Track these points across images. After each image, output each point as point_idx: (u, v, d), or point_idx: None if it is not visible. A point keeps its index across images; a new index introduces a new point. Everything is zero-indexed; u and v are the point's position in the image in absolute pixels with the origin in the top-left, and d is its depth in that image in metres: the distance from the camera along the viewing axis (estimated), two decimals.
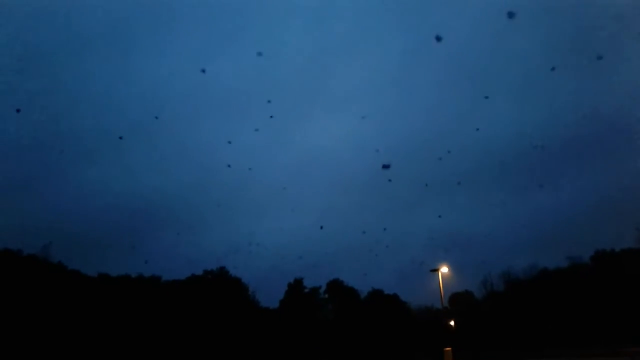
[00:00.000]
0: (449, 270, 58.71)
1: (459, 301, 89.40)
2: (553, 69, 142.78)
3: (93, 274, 66.41)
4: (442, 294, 59.38)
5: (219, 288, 74.00)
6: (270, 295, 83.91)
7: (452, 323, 73.76)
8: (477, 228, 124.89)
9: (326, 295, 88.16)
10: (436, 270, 58.18)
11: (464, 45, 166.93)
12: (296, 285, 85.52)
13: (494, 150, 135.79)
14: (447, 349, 58.13)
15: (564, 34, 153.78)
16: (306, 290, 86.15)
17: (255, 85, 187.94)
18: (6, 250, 57.12)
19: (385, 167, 50.48)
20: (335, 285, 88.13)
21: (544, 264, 78.55)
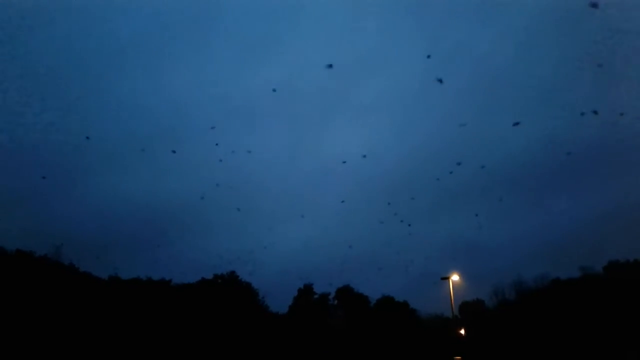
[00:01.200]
0: (459, 278, 58.57)
1: (470, 310, 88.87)
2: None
3: (104, 277, 66.91)
4: (453, 302, 59.21)
5: (229, 292, 74.12)
6: (279, 301, 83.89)
7: (462, 332, 73.35)
8: (488, 236, 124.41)
9: (336, 302, 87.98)
10: (447, 278, 58.06)
11: (486, 58, 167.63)
12: (306, 291, 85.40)
13: (507, 161, 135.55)
14: (457, 358, 57.91)
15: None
16: (316, 296, 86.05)
17: (277, 95, 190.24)
18: (18, 252, 57.75)
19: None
20: (345, 292, 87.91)
21: (555, 273, 77.97)
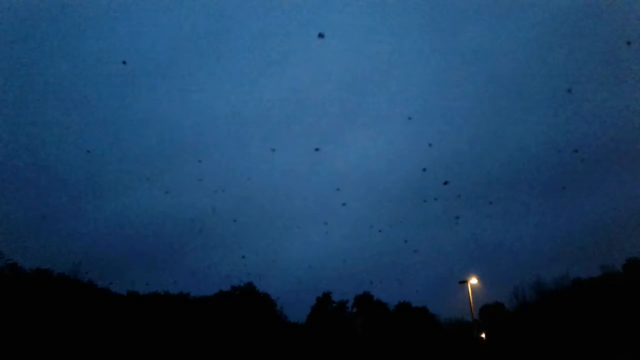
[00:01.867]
0: (478, 281, 57.88)
1: (490, 313, 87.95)
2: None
3: (123, 292, 67.32)
4: (472, 306, 58.55)
5: (247, 304, 74.12)
6: (298, 310, 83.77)
7: (483, 336, 72.54)
8: (507, 238, 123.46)
9: (355, 310, 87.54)
10: (465, 282, 57.37)
11: (497, 62, 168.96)
12: (324, 299, 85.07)
13: (525, 161, 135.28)
14: None
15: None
16: (334, 305, 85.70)
17: (295, 105, 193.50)
18: (38, 270, 58.33)
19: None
20: (364, 299, 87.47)
21: (576, 273, 77.03)
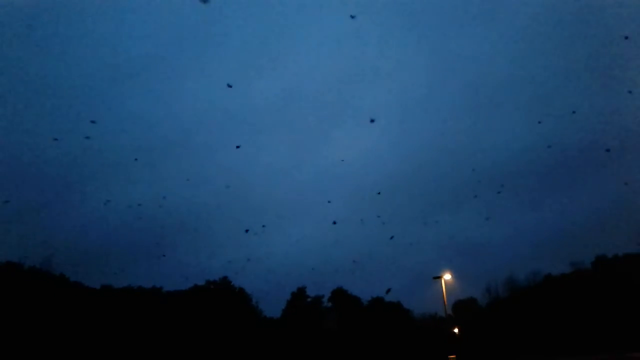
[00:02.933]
0: (452, 277, 58.71)
1: (463, 308, 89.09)
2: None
3: (96, 286, 66.45)
4: (446, 302, 59.36)
5: (222, 298, 73.81)
6: (273, 305, 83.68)
7: (456, 330, 73.52)
8: (480, 235, 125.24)
9: (330, 304, 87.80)
10: (439, 277, 58.14)
11: (484, 66, 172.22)
12: (299, 294, 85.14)
13: (500, 161, 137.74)
14: (452, 356, 57.99)
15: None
16: (309, 299, 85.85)
17: (281, 104, 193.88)
18: (8, 263, 57.29)
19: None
20: (339, 294, 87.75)
21: (547, 270, 78.57)
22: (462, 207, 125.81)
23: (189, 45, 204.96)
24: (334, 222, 73.28)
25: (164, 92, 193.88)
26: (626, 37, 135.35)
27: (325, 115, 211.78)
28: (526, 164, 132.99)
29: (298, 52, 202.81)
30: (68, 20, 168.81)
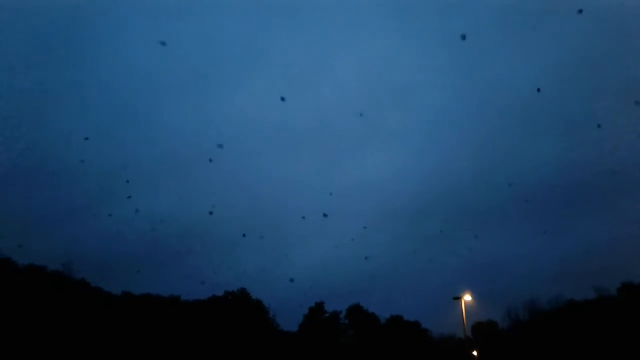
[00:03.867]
0: (472, 298, 57.67)
1: (482, 330, 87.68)
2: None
3: (117, 292, 66.90)
4: (465, 323, 58.39)
5: (239, 309, 73.75)
6: (290, 319, 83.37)
7: (475, 353, 72.30)
8: (503, 258, 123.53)
9: (347, 320, 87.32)
10: (459, 298, 57.19)
11: (510, 92, 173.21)
12: (317, 309, 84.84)
13: (526, 184, 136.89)
14: None
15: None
16: (326, 315, 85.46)
17: (315, 123, 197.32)
18: (31, 266, 58.04)
19: None
20: (356, 310, 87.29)
21: (570, 294, 76.91)
22: (486, 228, 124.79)
23: (234, 63, 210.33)
24: (365, 227, 72.95)
25: (203, 105, 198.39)
26: None
27: (356, 134, 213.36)
28: (553, 187, 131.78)
29: (335, 73, 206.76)
30: (117, 31, 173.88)
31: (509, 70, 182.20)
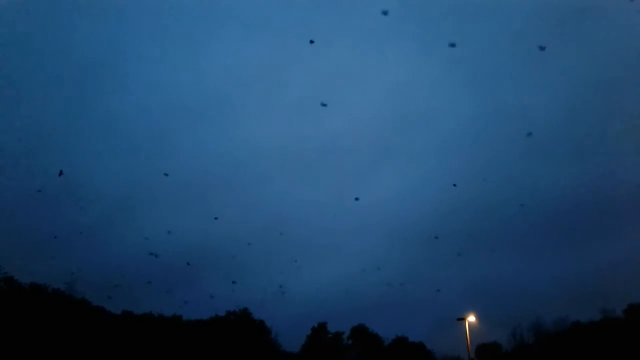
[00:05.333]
0: (476, 319, 57.32)
1: (487, 352, 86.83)
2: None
3: (117, 312, 66.76)
4: (469, 344, 57.96)
5: (241, 330, 73.41)
6: (292, 339, 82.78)
7: None
8: (507, 278, 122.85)
9: (350, 341, 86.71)
10: (463, 319, 56.87)
11: (529, 117, 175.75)
12: (319, 330, 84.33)
13: (533, 207, 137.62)
14: None
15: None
16: (329, 335, 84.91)
17: (330, 145, 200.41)
18: (32, 285, 58.17)
19: None
20: (360, 331, 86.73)
21: (575, 316, 76.17)
22: (492, 249, 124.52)
23: (253, 85, 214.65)
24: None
25: (220, 127, 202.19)
26: None
27: (370, 156, 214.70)
28: (560, 210, 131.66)
29: (352, 96, 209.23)
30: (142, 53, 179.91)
31: (521, 96, 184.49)
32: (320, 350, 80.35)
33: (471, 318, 56.81)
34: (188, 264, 71.27)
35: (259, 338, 75.22)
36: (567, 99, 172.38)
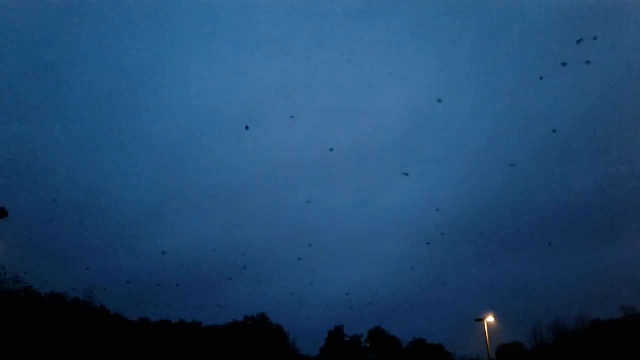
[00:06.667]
0: (495, 319, 56.62)
1: (507, 353, 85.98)
2: None
3: (134, 319, 67.18)
4: (488, 344, 57.33)
5: (259, 334, 73.54)
6: (310, 343, 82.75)
7: None
8: (527, 277, 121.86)
9: (367, 344, 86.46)
10: (481, 319, 56.22)
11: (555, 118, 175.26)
12: (336, 333, 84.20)
13: (555, 205, 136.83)
14: None
15: None
16: (347, 339, 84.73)
17: (353, 152, 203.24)
18: (52, 294, 58.76)
19: None
20: (377, 334, 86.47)
21: (595, 314, 75.33)
22: (512, 248, 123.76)
23: (277, 97, 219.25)
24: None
25: (245, 138, 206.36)
26: None
27: (393, 160, 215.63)
28: (582, 208, 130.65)
29: (374, 101, 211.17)
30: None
31: (545, 96, 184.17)
32: (338, 353, 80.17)
33: (489, 318, 56.10)
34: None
35: (277, 342, 75.28)
36: (591, 98, 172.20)
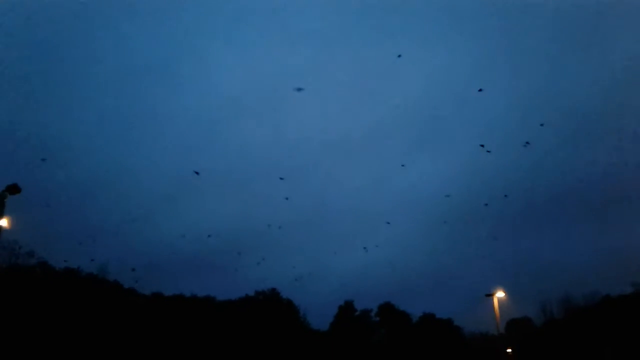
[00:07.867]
0: (505, 295, 56.56)
1: (517, 327, 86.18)
2: None
3: (147, 293, 67.90)
4: (498, 320, 57.41)
5: (270, 309, 74.24)
6: (321, 317, 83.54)
7: (509, 351, 71.10)
8: (538, 253, 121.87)
9: (377, 319, 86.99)
10: (491, 295, 56.18)
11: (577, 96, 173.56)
12: (347, 308, 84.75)
13: (559, 182, 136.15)
14: None
15: None
16: (357, 313, 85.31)
17: (371, 133, 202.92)
18: (66, 269, 59.44)
19: None
20: (387, 309, 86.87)
21: (606, 290, 75.27)
22: (522, 226, 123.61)
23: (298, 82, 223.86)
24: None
25: (268, 121, 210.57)
26: None
27: (408, 142, 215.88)
28: (592, 187, 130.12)
29: (391, 87, 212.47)
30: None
31: (560, 79, 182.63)
32: (348, 328, 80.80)
33: (500, 294, 56.04)
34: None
35: (288, 317, 75.99)
36: (606, 81, 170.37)
